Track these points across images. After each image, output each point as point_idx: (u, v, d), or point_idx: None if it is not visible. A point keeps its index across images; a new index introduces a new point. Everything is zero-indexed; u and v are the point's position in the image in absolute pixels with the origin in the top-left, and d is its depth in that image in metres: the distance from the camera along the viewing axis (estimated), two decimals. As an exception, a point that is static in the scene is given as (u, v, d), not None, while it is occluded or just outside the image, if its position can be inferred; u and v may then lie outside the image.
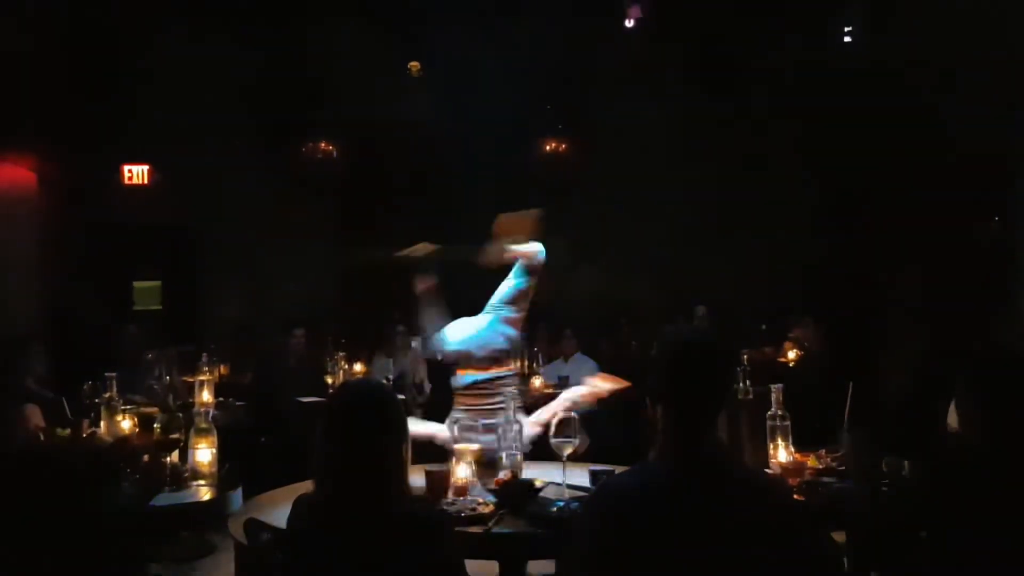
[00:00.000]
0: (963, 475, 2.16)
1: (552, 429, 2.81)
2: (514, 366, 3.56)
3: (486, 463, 2.98)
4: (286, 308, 7.79)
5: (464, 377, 3.45)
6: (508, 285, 3.54)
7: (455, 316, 3.60)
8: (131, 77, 7.67)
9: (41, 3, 6.92)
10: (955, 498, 2.12)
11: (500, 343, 3.45)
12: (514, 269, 3.55)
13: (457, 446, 2.95)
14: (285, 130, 8.31)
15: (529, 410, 3.49)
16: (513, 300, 3.51)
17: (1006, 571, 2.02)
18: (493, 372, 3.41)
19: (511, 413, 3.10)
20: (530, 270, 3.52)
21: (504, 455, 2.95)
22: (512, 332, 3.49)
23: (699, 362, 1.90)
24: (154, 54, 7.58)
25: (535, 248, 3.55)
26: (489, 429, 3.13)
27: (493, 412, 3.26)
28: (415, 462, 2.27)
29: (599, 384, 3.49)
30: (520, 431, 3.07)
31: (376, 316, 7.47)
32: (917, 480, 2.29)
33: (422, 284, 3.61)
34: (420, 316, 3.60)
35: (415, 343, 6.83)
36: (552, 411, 3.19)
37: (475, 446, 2.97)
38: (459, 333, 3.49)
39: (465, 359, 3.46)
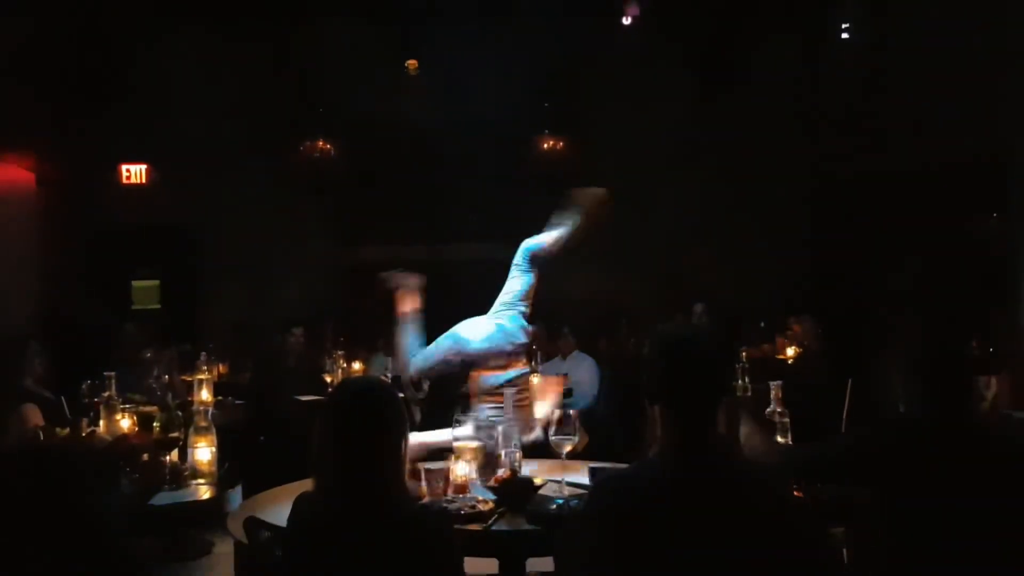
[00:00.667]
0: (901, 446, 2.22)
1: (551, 427, 2.82)
2: (525, 363, 3.54)
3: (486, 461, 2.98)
4: (285, 307, 7.79)
5: (494, 377, 3.35)
6: (519, 282, 3.51)
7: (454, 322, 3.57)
8: (129, 77, 7.66)
9: (39, 3, 6.91)
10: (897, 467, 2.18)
11: (522, 338, 3.43)
12: (520, 266, 3.52)
13: (456, 444, 2.95)
14: (283, 129, 8.30)
15: None
16: (527, 296, 3.49)
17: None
18: (514, 371, 3.39)
19: (511, 411, 3.10)
20: (534, 261, 3.50)
21: (503, 453, 2.95)
22: (527, 327, 3.47)
23: (694, 360, 1.90)
24: (151, 53, 7.57)
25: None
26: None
27: (523, 408, 3.26)
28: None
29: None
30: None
31: (375, 314, 7.46)
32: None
33: (408, 304, 3.59)
34: (397, 338, 3.58)
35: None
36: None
37: (475, 443, 2.97)
38: (480, 333, 3.40)
39: (489, 358, 3.37)
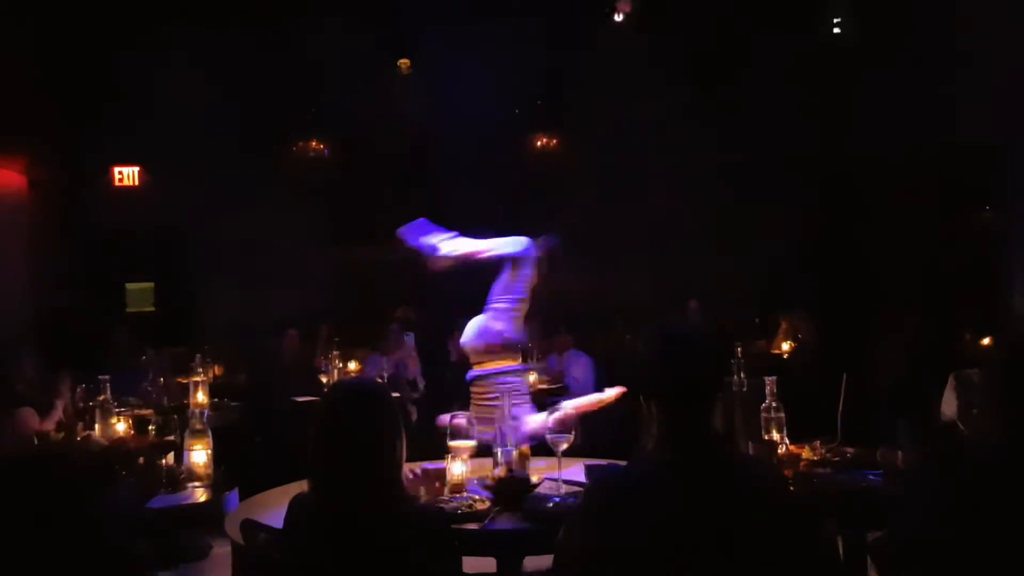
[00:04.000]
0: (988, 472, 2.00)
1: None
2: (519, 360, 3.55)
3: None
4: (279, 308, 7.77)
5: (468, 373, 3.49)
6: (499, 280, 3.55)
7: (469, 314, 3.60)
8: (120, 79, 7.64)
9: (31, 5, 6.89)
10: (979, 496, 1.97)
11: (493, 338, 3.45)
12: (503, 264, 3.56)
13: (452, 443, 2.95)
14: (276, 130, 8.29)
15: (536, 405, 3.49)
16: (503, 293, 3.52)
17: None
18: (494, 367, 3.41)
19: (507, 409, 3.10)
20: (514, 263, 3.52)
21: (500, 451, 2.94)
22: (506, 326, 3.48)
23: (689, 356, 1.90)
24: (143, 55, 7.55)
25: (502, 242, 3.55)
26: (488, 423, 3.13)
27: (492, 407, 3.26)
28: (412, 460, 2.27)
29: (604, 395, 3.47)
30: (517, 427, 3.07)
31: (369, 314, 7.46)
32: (935, 477, 2.14)
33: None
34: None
35: (408, 339, 6.83)
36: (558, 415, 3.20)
37: (471, 442, 2.96)
38: (467, 330, 3.53)
39: (473, 353, 3.50)
